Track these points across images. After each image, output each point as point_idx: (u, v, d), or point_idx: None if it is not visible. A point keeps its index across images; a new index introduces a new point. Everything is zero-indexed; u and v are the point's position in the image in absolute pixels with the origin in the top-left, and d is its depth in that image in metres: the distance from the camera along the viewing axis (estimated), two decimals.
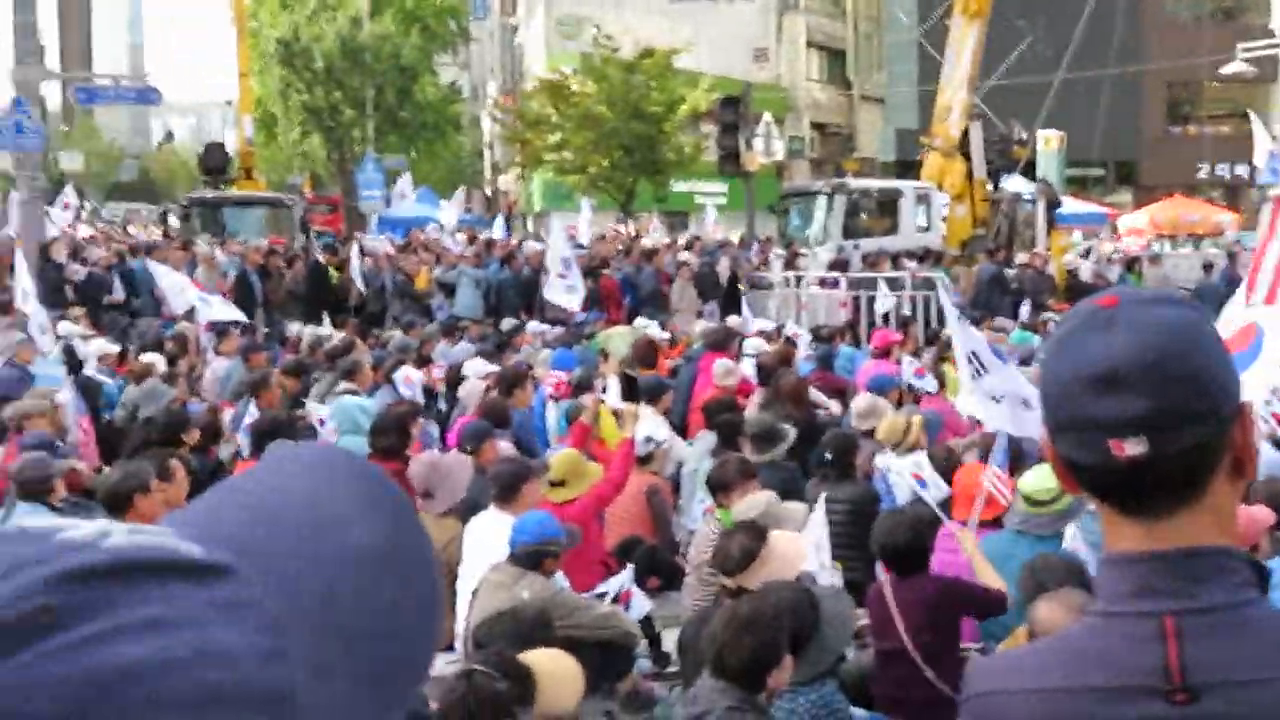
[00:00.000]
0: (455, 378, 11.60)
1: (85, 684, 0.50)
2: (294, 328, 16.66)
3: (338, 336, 14.46)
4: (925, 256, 22.07)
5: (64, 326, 14.57)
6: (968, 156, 24.28)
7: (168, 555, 0.57)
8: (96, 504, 8.24)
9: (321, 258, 20.89)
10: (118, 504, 6.18)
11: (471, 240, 24.82)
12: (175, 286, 16.00)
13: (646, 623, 6.46)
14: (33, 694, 0.49)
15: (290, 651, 0.56)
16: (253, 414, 9.69)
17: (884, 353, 12.22)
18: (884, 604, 5.43)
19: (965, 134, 24.32)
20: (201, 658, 0.53)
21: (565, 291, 16.80)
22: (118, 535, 0.57)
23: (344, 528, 0.64)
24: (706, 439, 8.97)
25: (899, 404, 10.15)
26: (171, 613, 0.54)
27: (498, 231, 28.96)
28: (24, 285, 13.59)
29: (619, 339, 13.75)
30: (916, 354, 12.42)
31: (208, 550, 0.58)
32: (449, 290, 19.64)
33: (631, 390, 8.95)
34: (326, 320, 17.25)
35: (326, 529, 0.64)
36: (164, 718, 0.51)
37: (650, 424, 8.70)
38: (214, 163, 34.26)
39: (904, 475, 7.30)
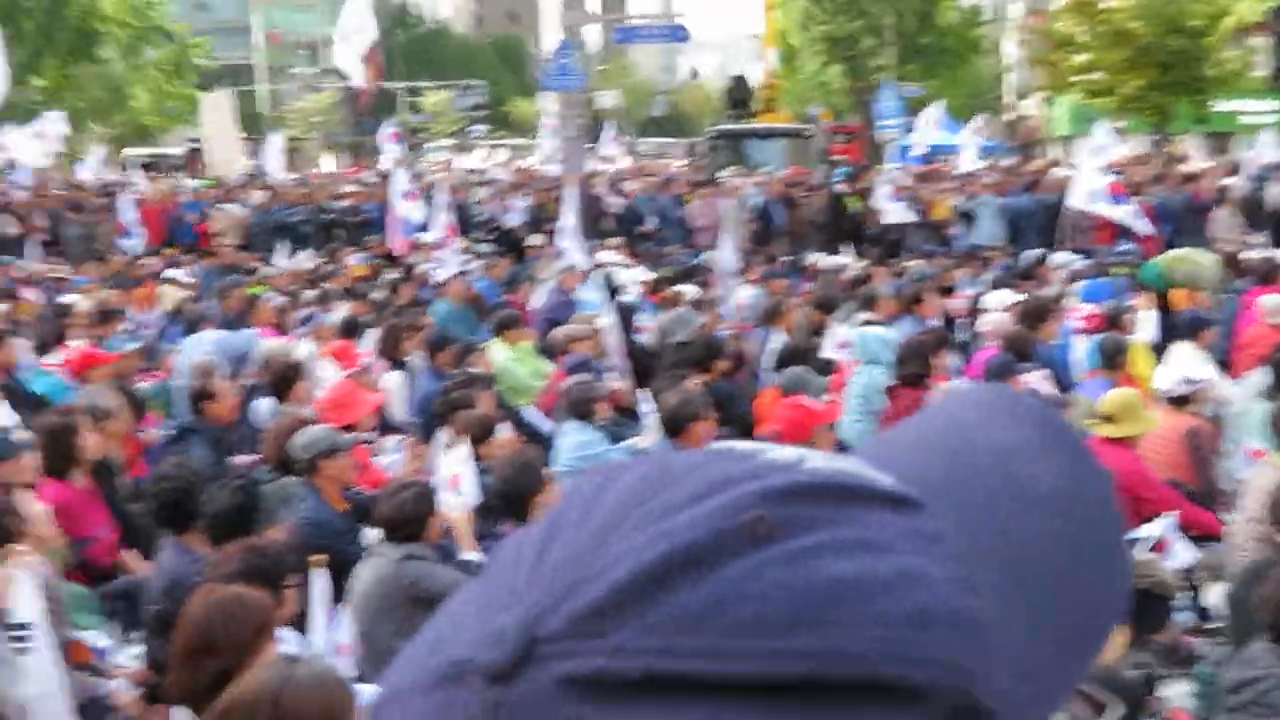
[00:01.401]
0: (976, 308, 11.35)
1: (805, 591, 0.53)
2: (813, 257, 16.90)
3: (857, 266, 14.53)
4: None
5: (603, 255, 15.57)
6: None
7: (865, 482, 0.59)
8: (633, 423, 8.80)
9: (840, 187, 21.01)
10: (675, 428, 6.49)
11: (992, 168, 24.12)
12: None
13: (1187, 574, 6.07)
14: (759, 596, 0.53)
15: (978, 586, 0.57)
16: (775, 341, 9.96)
17: None
18: None
19: None
20: (905, 579, 0.55)
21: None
22: (817, 460, 0.59)
23: (1025, 468, 0.64)
24: (1256, 378, 8.26)
25: None
26: (875, 535, 0.56)
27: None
28: (566, 219, 14.61)
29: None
30: None
31: (896, 482, 0.60)
32: (969, 219, 19.21)
33: (1169, 324, 8.38)
34: (848, 250, 17.37)
35: (1007, 468, 0.64)
36: (874, 631, 0.53)
37: (1190, 361, 8.12)
38: (738, 96, 35.27)
39: None
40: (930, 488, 0.61)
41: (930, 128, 30.53)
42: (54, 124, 27.30)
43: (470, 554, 5.89)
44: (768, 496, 0.56)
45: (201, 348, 9.67)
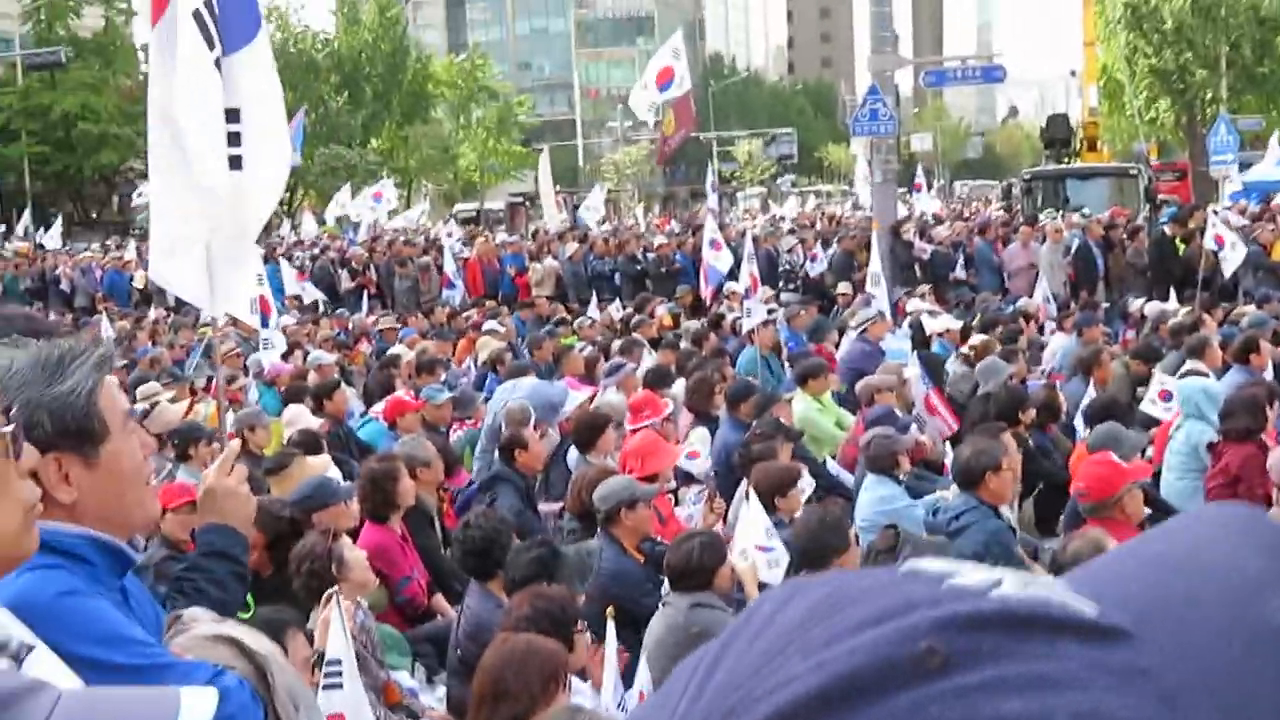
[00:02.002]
0: None
1: None
2: (1136, 303, 16.09)
3: (1182, 312, 13.73)
4: None
5: (913, 303, 15.29)
6: None
7: (1057, 610, 0.55)
8: (939, 477, 8.55)
9: (1167, 229, 19.95)
10: (970, 479, 6.29)
11: None
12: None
13: None
14: None
15: None
16: (1090, 394, 9.50)
17: None
18: None
19: None
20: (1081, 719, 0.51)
21: None
22: (1009, 584, 0.57)
23: (1263, 598, 0.58)
24: None
25: None
26: (1056, 670, 0.53)
27: None
28: (874, 266, 14.42)
29: None
30: None
31: (1103, 609, 0.56)
32: None
33: None
34: (1172, 295, 16.45)
35: (1247, 601, 0.58)
36: None
37: None
38: (1057, 134, 34.12)
39: None
40: (1147, 618, 0.56)
41: (1269, 163, 28.66)
42: (388, 186, 29.21)
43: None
44: (944, 625, 0.54)
45: (515, 394, 10.02)
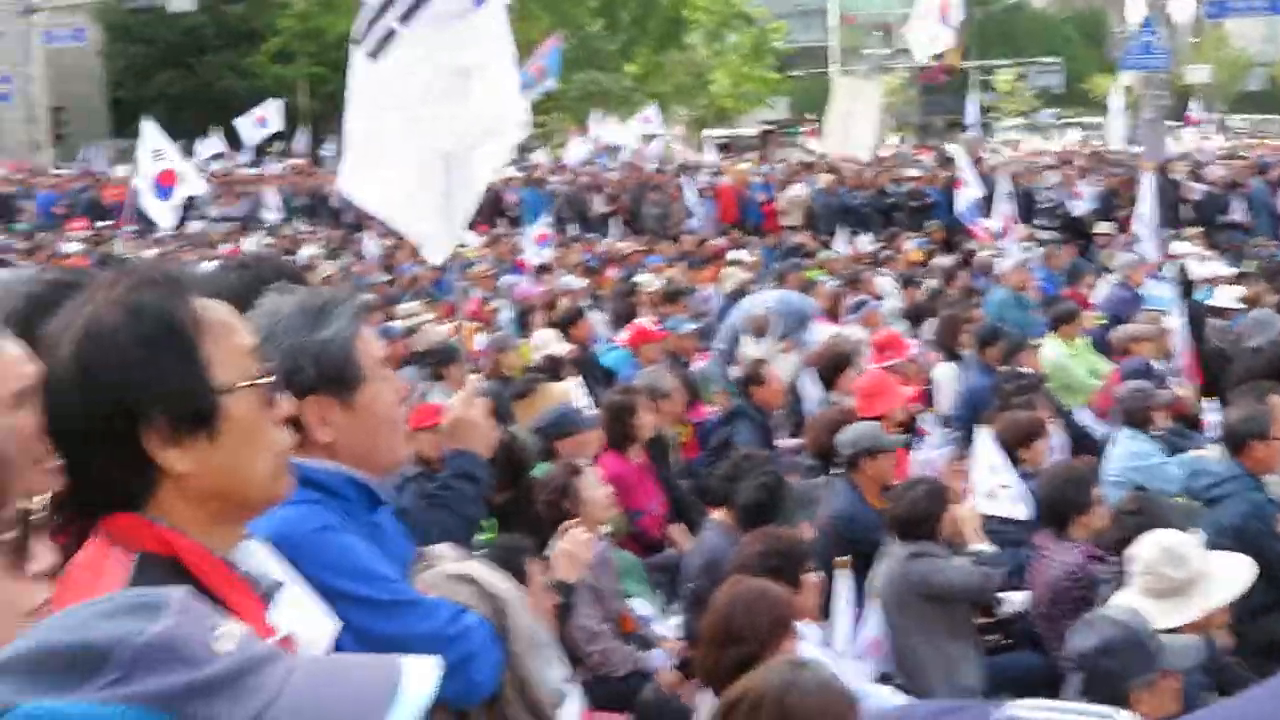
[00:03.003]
0: None
1: None
2: None
3: None
4: None
5: (1178, 246, 14.55)
6: None
7: None
8: (1195, 434, 8.16)
9: None
10: (1235, 445, 5.95)
11: None
12: None
13: None
14: None
15: None
16: None
17: None
18: None
19: None
20: None
21: None
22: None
23: None
24: None
25: None
26: None
27: None
28: (1140, 207, 13.74)
29: None
30: None
31: None
32: None
33: None
34: None
35: None
36: None
37: None
38: None
39: None
40: None
41: None
42: (647, 113, 29.39)
43: (979, 544, 5.71)
44: None
45: (760, 304, 10.00)
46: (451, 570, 2.55)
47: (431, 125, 4.33)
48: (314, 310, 2.39)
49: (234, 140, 30.45)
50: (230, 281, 2.94)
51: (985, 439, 6.58)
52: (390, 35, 4.48)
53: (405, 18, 4.48)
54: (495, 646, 2.45)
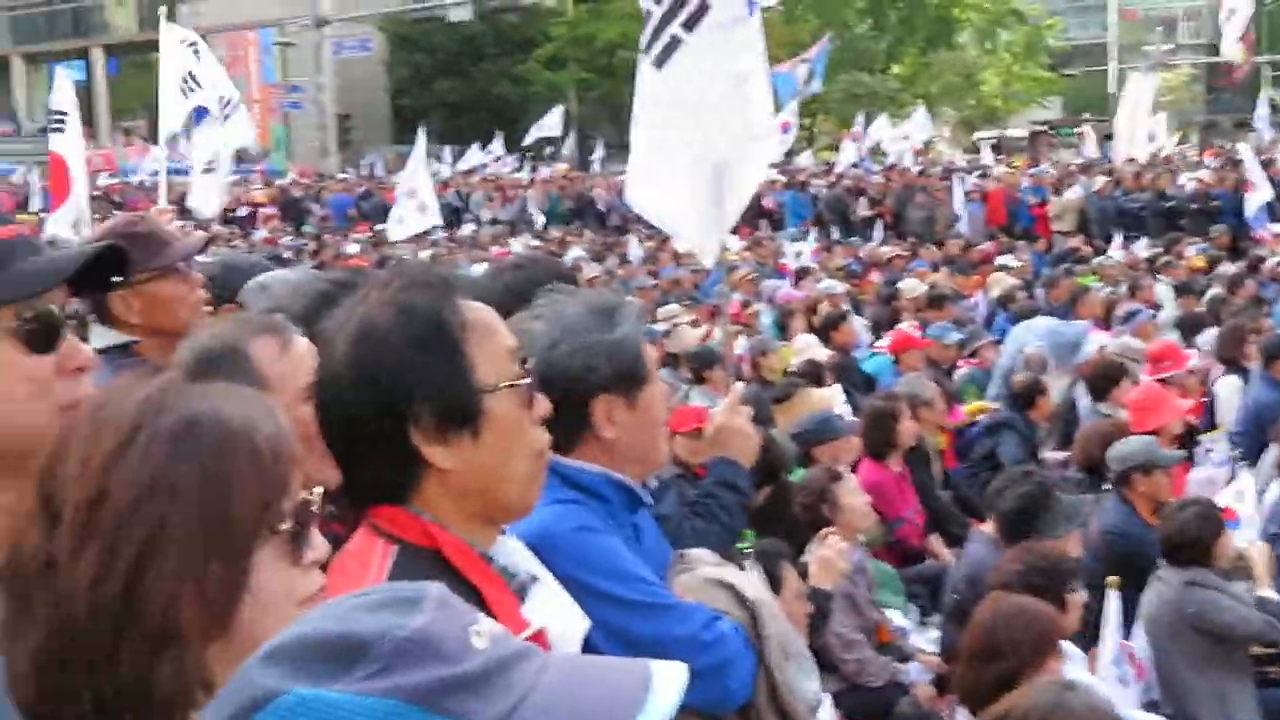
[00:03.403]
0: None
1: None
2: None
3: None
4: None
5: None
6: None
7: None
8: None
9: None
10: None
11: None
12: None
13: None
14: None
15: None
16: None
17: None
18: None
19: None
20: None
21: None
22: None
23: None
24: None
25: None
26: None
27: None
28: None
29: None
30: None
31: None
32: None
33: None
34: None
35: None
36: None
37: None
38: None
39: None
40: None
41: None
42: (919, 119, 28.95)
43: (1268, 591, 5.35)
44: None
45: (1030, 337, 9.69)
46: (708, 575, 2.55)
47: (707, 133, 4.36)
48: (602, 310, 2.45)
49: (512, 145, 31.48)
50: (505, 281, 3.03)
51: (1272, 457, 6.20)
52: (675, 43, 4.52)
53: (689, 24, 4.51)
54: (749, 653, 2.44)
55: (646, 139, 4.62)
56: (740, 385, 3.44)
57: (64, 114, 9.77)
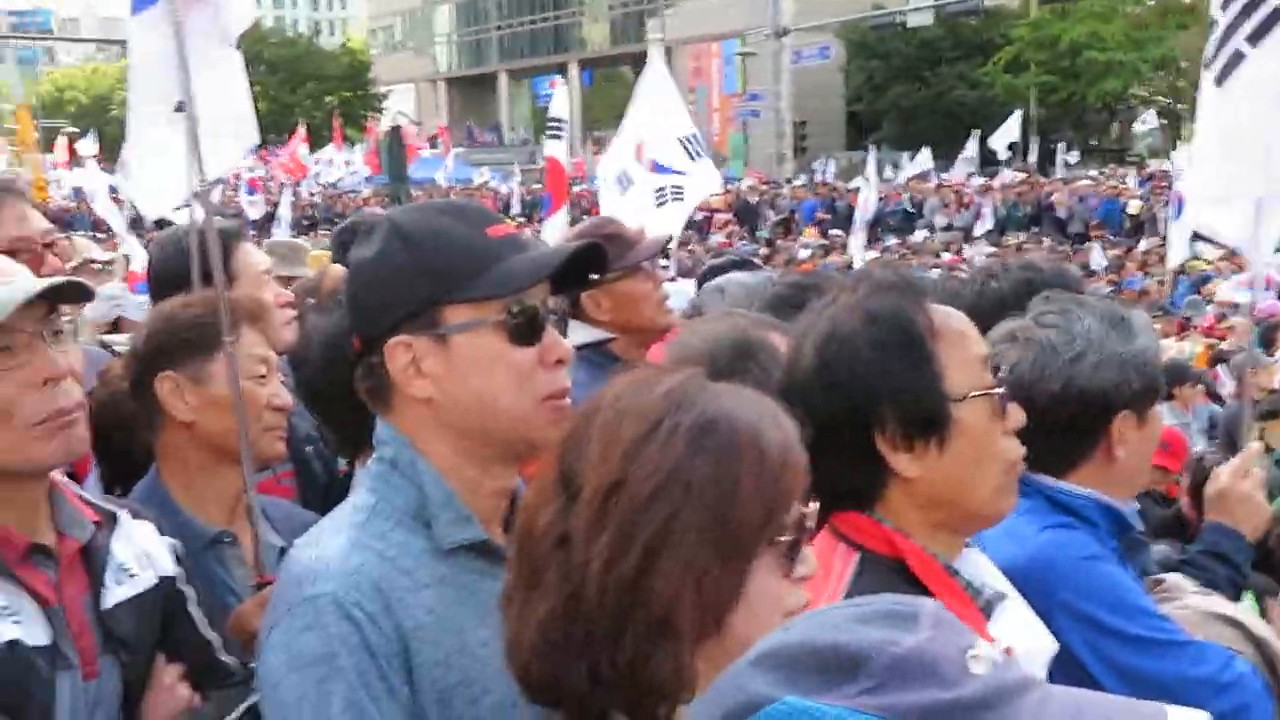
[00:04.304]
0: None
1: None
2: None
3: None
4: None
5: None
6: None
7: None
8: None
9: None
10: None
11: None
12: None
13: None
14: None
15: None
16: None
17: None
18: None
19: None
20: None
21: None
22: None
23: None
24: None
25: None
26: None
27: None
28: None
29: None
30: None
31: None
32: None
33: None
34: None
35: None
36: None
37: None
38: None
39: None
40: None
41: None
42: None
43: None
44: None
45: None
46: (1204, 607, 2.34)
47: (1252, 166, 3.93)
48: (1116, 320, 2.31)
49: (985, 151, 30.78)
50: (999, 288, 2.91)
51: None
52: (1237, 58, 4.14)
53: (1254, 38, 4.09)
54: (1268, 699, 2.21)
55: (1200, 169, 4.22)
56: (1257, 446, 2.97)
57: (562, 121, 10.13)
